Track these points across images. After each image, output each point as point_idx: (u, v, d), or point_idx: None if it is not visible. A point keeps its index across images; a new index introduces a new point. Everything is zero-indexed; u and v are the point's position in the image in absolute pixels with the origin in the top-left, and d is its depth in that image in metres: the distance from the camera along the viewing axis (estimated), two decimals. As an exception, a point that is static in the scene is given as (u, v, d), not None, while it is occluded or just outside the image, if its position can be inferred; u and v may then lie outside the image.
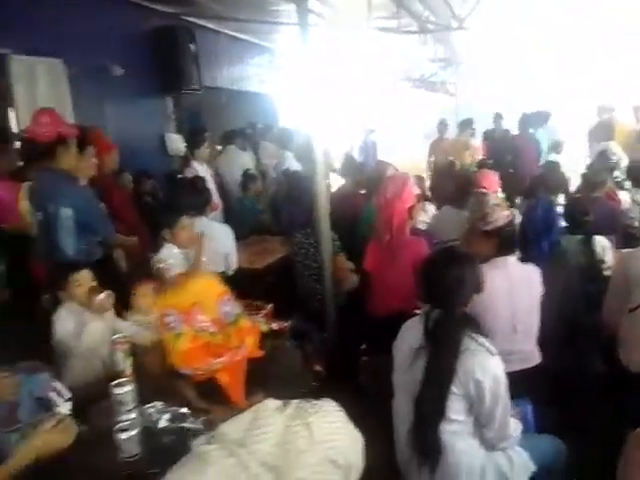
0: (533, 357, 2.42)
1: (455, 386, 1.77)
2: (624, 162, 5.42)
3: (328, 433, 1.18)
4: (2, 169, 3.79)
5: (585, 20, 7.50)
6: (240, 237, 3.95)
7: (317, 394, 1.42)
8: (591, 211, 3.27)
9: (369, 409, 1.31)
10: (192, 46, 6.32)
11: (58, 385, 1.92)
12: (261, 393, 1.20)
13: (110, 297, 2.57)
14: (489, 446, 1.85)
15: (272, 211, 5.42)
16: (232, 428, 1.14)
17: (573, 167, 6.02)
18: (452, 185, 4.18)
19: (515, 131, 7.08)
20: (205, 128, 5.41)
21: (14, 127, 4.70)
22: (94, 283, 2.56)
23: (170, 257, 3.07)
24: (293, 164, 5.98)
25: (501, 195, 3.30)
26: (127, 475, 1.78)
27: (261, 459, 1.11)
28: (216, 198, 4.61)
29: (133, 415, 1.85)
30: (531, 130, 6.74)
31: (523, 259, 2.52)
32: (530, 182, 4.43)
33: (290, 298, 3.51)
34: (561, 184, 4.86)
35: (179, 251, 3.11)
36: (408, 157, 8.10)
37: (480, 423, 1.82)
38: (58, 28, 4.68)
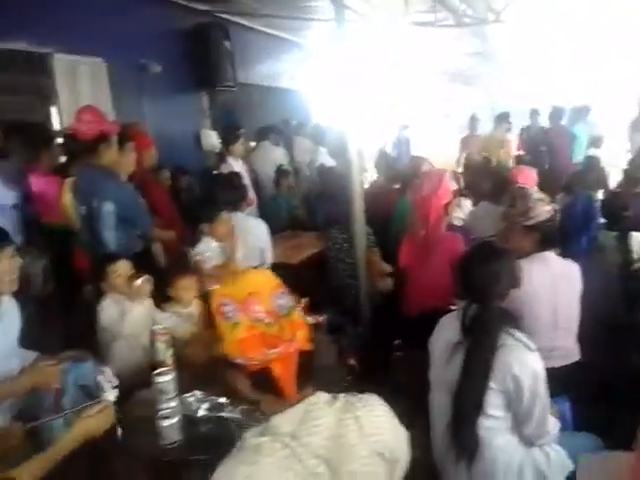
0: (573, 354, 2.38)
1: (493, 381, 1.76)
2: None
3: (375, 427, 1.20)
4: (46, 165, 3.91)
5: (626, 10, 7.26)
6: (274, 232, 3.99)
7: (351, 388, 1.44)
8: (630, 207, 3.19)
9: (402, 404, 1.32)
10: (227, 43, 6.40)
11: (108, 371, 1.97)
12: (311, 386, 1.22)
13: (149, 281, 2.66)
14: (527, 442, 1.84)
15: (306, 207, 5.45)
16: (284, 421, 1.16)
17: (614, 162, 5.86)
18: (488, 181, 4.13)
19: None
20: (240, 124, 5.47)
21: (57, 125, 4.85)
22: (132, 272, 2.65)
23: (208, 250, 3.14)
24: (327, 160, 6.00)
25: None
26: (168, 461, 1.84)
27: (314, 452, 1.13)
28: (251, 194, 4.67)
29: (174, 403, 1.90)
30: (569, 124, 6.60)
31: (561, 255, 2.48)
32: (569, 178, 4.34)
33: (324, 293, 3.53)
34: (600, 180, 4.75)
35: (217, 244, 3.17)
36: (442, 152, 7.98)
37: (518, 419, 1.81)
38: (99, 28, 4.79)
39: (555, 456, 1.86)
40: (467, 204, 4.27)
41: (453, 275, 2.00)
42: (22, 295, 2.29)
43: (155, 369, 1.99)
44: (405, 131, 8.90)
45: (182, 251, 3.38)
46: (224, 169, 4.83)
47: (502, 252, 1.98)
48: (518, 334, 1.82)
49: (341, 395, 1.25)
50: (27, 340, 2.28)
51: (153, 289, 2.78)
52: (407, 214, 3.50)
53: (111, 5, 4.99)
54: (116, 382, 1.92)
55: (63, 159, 4.21)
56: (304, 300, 2.72)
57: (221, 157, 5.31)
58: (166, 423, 1.85)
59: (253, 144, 6.29)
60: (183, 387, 2.05)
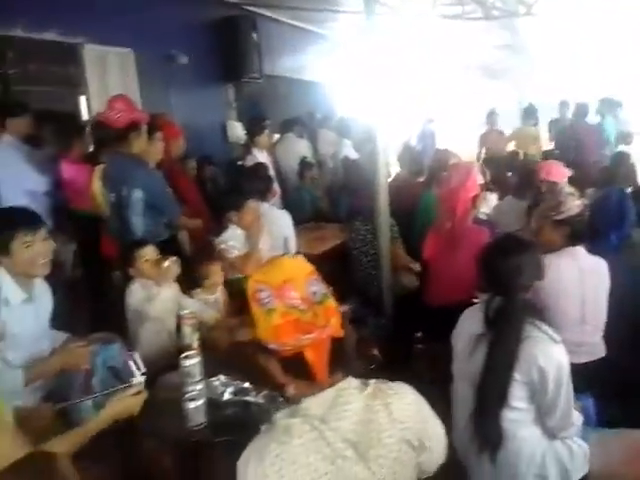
0: (599, 350, 2.37)
1: (518, 373, 1.76)
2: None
3: (405, 414, 1.21)
4: (77, 153, 4.00)
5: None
6: (298, 224, 4.01)
7: (373, 378, 1.45)
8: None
9: (424, 396, 1.33)
10: (254, 35, 6.42)
11: (137, 357, 2.01)
12: (341, 372, 1.24)
13: (176, 263, 2.71)
14: (550, 435, 1.84)
15: (329, 199, 5.46)
16: (314, 404, 1.18)
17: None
18: (514, 176, 4.09)
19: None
20: (265, 116, 5.50)
21: (85, 114, 4.94)
22: (159, 256, 2.70)
23: (232, 239, 3.18)
24: (351, 153, 5.99)
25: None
26: (194, 442, 1.88)
27: (343, 435, 1.15)
28: (275, 185, 4.70)
29: (200, 386, 1.93)
30: (597, 116, 6.48)
31: (589, 251, 2.45)
32: (599, 173, 4.27)
33: (347, 284, 3.54)
34: (630, 176, 4.65)
35: (242, 233, 3.20)
36: (468, 146, 7.90)
37: (542, 411, 1.81)
38: (128, 18, 4.85)
39: (578, 450, 1.85)
40: (493, 198, 4.24)
41: (477, 268, 2.00)
42: (53, 278, 2.36)
43: (182, 353, 2.04)
44: (430, 125, 8.83)
45: (208, 240, 3.43)
46: (249, 160, 4.87)
47: (525, 244, 1.97)
48: (543, 326, 1.81)
49: (372, 381, 1.26)
50: (57, 323, 2.35)
51: (179, 276, 2.83)
52: (432, 208, 3.49)
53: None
54: (144, 368, 1.96)
55: (91, 147, 4.30)
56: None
57: (246, 148, 5.35)
58: (192, 405, 1.89)
59: (277, 136, 6.32)
60: (207, 371, 2.09)
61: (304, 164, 5.45)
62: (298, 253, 3.65)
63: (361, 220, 3.57)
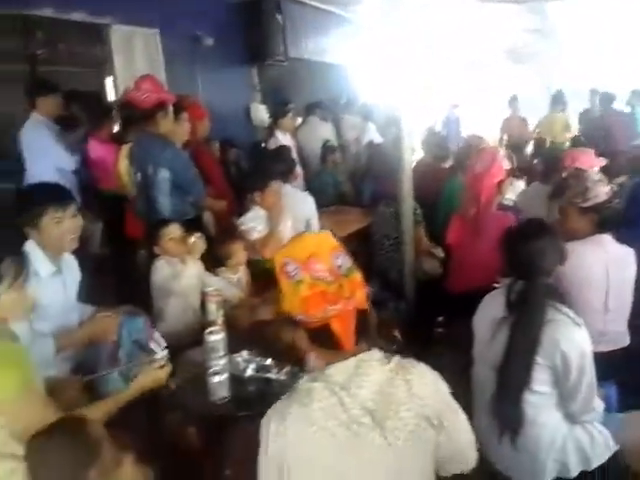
0: (622, 339, 2.34)
1: (540, 357, 1.75)
2: None
3: (425, 391, 1.23)
4: (105, 133, 4.06)
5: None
6: (320, 207, 4.01)
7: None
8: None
9: (444, 379, 1.35)
10: (278, 17, 6.38)
11: (156, 334, 2.06)
12: (365, 344, 1.27)
13: (201, 239, 2.76)
14: (572, 419, 1.83)
15: (352, 184, 5.45)
16: (337, 371, 1.22)
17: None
18: (541, 162, 4.03)
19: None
20: (289, 99, 5.49)
21: (112, 95, 4.99)
22: (184, 234, 2.75)
23: (255, 220, 3.20)
24: (375, 137, 5.96)
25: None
26: (218, 416, 1.93)
27: (361, 403, 1.18)
28: (297, 168, 4.71)
29: (223, 361, 1.97)
30: (627, 107, 6.33)
31: (619, 240, 2.42)
32: (630, 162, 4.19)
33: (369, 268, 3.55)
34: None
35: (264, 214, 3.22)
36: (495, 131, 7.77)
37: (564, 395, 1.80)
38: (154, -1, 4.88)
39: (599, 437, 1.84)
40: (520, 185, 4.19)
41: (500, 252, 1.99)
42: (81, 254, 2.41)
43: (206, 329, 2.08)
44: (455, 110, 8.72)
45: (232, 221, 3.46)
46: (272, 143, 4.88)
47: (547, 228, 1.97)
48: (565, 309, 1.81)
49: (395, 357, 1.28)
50: (84, 298, 2.41)
51: (204, 255, 2.87)
52: (457, 193, 3.46)
53: (167, -23, 5.05)
54: (165, 344, 2.00)
55: (118, 127, 4.35)
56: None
57: (270, 131, 5.35)
58: (216, 379, 1.93)
59: (300, 120, 6.31)
60: (230, 349, 2.13)
61: (326, 147, 5.43)
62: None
63: (385, 204, 3.56)
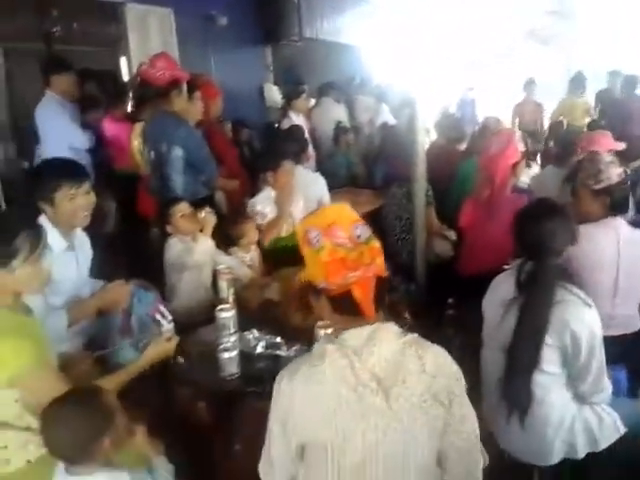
0: (633, 323, 2.32)
1: (550, 337, 1.75)
2: None
3: (437, 368, 1.24)
4: (120, 112, 4.07)
5: None
6: (332, 189, 3.99)
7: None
8: None
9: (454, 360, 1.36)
10: (294, -4, 6.32)
11: (162, 307, 2.07)
12: (383, 314, 1.29)
13: (211, 213, 2.78)
14: (581, 399, 1.83)
15: (366, 166, 5.42)
16: (351, 336, 1.24)
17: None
18: (556, 145, 3.98)
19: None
20: (303, 80, 5.45)
21: (126, 74, 4.99)
22: (194, 211, 2.78)
23: (267, 200, 3.20)
24: (389, 118, 5.90)
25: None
26: (228, 392, 1.96)
27: (371, 369, 1.20)
28: (310, 149, 4.69)
29: (234, 338, 2.00)
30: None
31: (633, 223, 2.39)
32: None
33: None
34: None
35: (275, 195, 3.22)
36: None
37: (574, 376, 1.80)
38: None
39: (608, 419, 1.84)
40: (535, 168, 4.14)
41: (511, 232, 1.98)
42: (95, 232, 2.44)
43: (217, 306, 2.10)
44: (470, 92, 8.59)
45: (244, 201, 3.47)
46: (286, 124, 4.85)
47: (558, 209, 1.95)
48: (576, 290, 1.80)
49: (411, 334, 1.29)
50: (97, 276, 2.43)
51: (216, 235, 2.89)
52: (471, 176, 3.43)
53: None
54: (170, 317, 2.02)
55: (131, 107, 4.36)
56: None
57: (283, 112, 5.33)
58: (226, 355, 1.96)
59: (313, 101, 6.26)
60: (241, 328, 2.15)
61: (339, 128, 5.40)
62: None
63: (397, 185, 3.54)
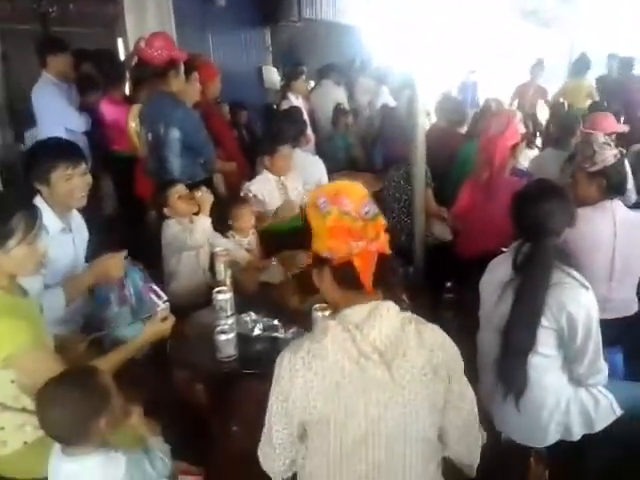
0: (630, 307, 2.32)
1: (546, 319, 1.75)
2: None
3: (436, 344, 1.26)
4: (117, 94, 4.04)
5: None
6: (331, 172, 3.97)
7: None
8: None
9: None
10: (293, -24, 6.23)
11: (155, 287, 2.05)
12: (383, 292, 1.31)
13: (208, 192, 2.76)
14: (577, 382, 1.84)
15: (365, 148, 5.38)
16: (353, 312, 1.26)
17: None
18: (556, 127, 3.95)
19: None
20: (302, 61, 5.39)
21: (123, 55, 4.94)
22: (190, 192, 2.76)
23: (259, 185, 3.19)
24: (389, 100, 5.85)
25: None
26: (225, 373, 1.96)
27: (372, 342, 1.22)
28: (309, 132, 4.65)
29: (231, 320, 2.00)
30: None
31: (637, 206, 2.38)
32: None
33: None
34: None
35: (274, 178, 3.20)
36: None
37: (570, 358, 1.80)
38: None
39: (604, 400, 1.85)
40: (534, 151, 4.11)
41: (510, 214, 1.97)
42: (90, 213, 2.42)
43: (215, 289, 2.10)
44: (472, 75, 8.50)
45: (242, 184, 3.45)
46: (285, 106, 4.81)
47: (557, 190, 1.94)
48: (574, 272, 1.79)
49: (408, 313, 1.31)
50: (93, 257, 2.42)
51: (213, 219, 2.87)
52: (471, 159, 3.41)
53: None
54: (165, 297, 2.01)
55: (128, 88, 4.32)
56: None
57: (282, 94, 5.28)
58: (223, 337, 1.96)
59: (312, 83, 6.19)
60: (238, 310, 2.16)
61: (338, 110, 5.35)
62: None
63: (395, 168, 3.52)
